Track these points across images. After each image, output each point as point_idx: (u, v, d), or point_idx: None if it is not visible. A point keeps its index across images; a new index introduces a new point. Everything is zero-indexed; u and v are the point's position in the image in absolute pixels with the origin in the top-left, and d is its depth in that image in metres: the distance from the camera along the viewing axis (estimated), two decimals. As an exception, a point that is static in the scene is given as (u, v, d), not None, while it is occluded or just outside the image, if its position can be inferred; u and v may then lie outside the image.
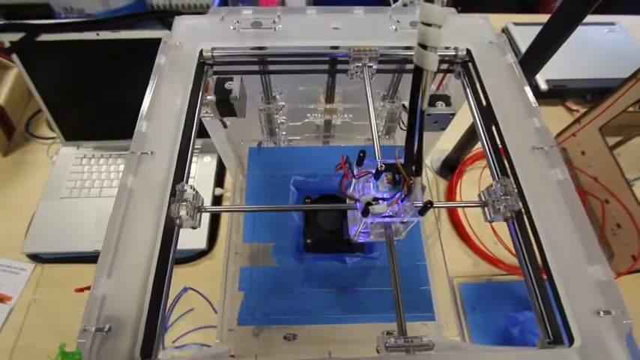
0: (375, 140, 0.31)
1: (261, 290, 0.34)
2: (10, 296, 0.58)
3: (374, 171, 0.26)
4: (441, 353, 0.20)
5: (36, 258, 0.60)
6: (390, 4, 0.38)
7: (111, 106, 0.66)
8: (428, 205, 0.24)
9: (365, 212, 0.25)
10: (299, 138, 0.48)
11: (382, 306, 0.33)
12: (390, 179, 0.26)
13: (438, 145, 0.74)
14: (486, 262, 0.63)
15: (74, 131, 0.69)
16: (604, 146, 0.65)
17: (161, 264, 0.21)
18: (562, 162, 0.26)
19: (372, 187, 0.26)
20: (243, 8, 0.34)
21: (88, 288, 0.50)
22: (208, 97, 0.38)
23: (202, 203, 0.27)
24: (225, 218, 0.65)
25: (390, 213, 0.25)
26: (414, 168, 0.24)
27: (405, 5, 0.38)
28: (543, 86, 0.81)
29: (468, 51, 0.34)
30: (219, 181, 0.68)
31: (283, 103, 0.45)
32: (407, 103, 0.48)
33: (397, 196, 0.25)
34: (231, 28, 0.33)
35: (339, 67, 0.35)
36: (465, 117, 0.41)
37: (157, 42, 0.32)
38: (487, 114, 0.30)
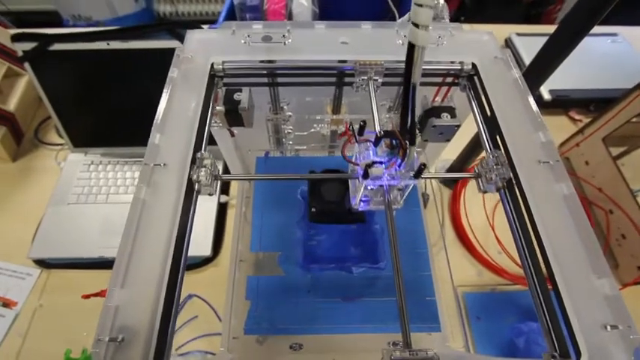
0: (375, 118, 0.33)
1: (268, 299, 0.34)
2: (16, 301, 0.58)
3: (373, 138, 0.29)
4: None
5: (42, 263, 0.61)
6: (395, 19, 0.38)
7: (119, 113, 0.67)
8: (422, 167, 0.27)
9: (365, 174, 0.27)
10: (305, 147, 0.49)
11: (388, 316, 0.33)
12: (388, 144, 0.29)
13: (442, 155, 0.75)
14: (490, 271, 0.63)
15: (82, 138, 0.70)
16: (608, 156, 0.66)
17: (174, 270, 0.22)
18: (567, 176, 0.26)
19: (371, 153, 0.29)
20: (253, 23, 0.34)
21: (95, 294, 0.50)
22: (217, 108, 0.39)
23: (219, 172, 0.30)
24: (230, 225, 0.66)
25: (388, 177, 0.28)
26: (408, 137, 0.27)
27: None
28: (547, 96, 0.82)
29: (474, 65, 0.34)
30: (225, 188, 0.69)
31: (290, 113, 0.46)
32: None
33: (394, 159, 0.28)
34: (242, 42, 0.34)
35: (346, 79, 0.36)
36: (468, 128, 0.42)
37: (165, 52, 0.33)
38: (492, 127, 0.31)
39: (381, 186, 0.30)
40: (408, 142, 0.27)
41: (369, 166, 0.27)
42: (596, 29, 1.07)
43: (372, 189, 0.31)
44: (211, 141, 0.68)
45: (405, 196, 0.32)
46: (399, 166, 0.28)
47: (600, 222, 0.67)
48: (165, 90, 0.30)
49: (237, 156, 0.50)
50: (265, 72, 0.36)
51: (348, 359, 0.36)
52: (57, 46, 0.58)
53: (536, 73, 0.46)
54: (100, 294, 0.50)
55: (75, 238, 0.62)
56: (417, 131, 0.46)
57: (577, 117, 0.84)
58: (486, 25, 0.96)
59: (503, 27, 0.99)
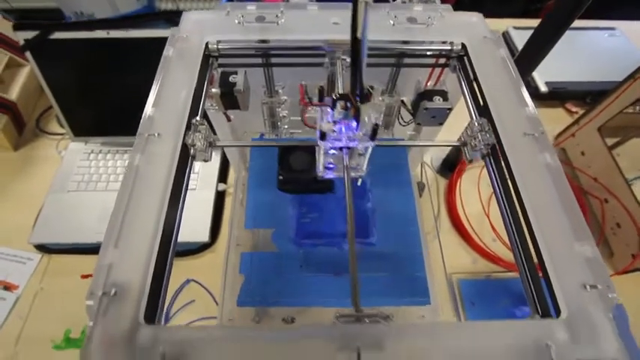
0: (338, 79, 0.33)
1: (261, 274, 0.35)
2: (17, 285, 0.59)
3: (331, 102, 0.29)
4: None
5: (43, 248, 0.62)
6: (388, 1, 0.39)
7: (119, 103, 0.68)
8: (375, 127, 0.27)
9: (322, 136, 0.28)
10: (300, 131, 0.50)
11: (379, 290, 0.34)
12: (343, 106, 0.29)
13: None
14: (485, 259, 0.63)
15: (83, 127, 0.71)
16: (603, 146, 0.66)
17: (167, 230, 0.23)
18: (551, 147, 0.27)
19: (329, 117, 0.29)
20: (247, 3, 0.35)
21: (93, 275, 0.51)
22: (213, 90, 0.39)
23: (214, 140, 0.31)
24: (227, 213, 0.67)
25: (347, 139, 0.28)
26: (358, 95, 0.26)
27: (403, 2, 0.39)
28: (543, 88, 0.82)
29: (463, 45, 0.35)
30: (223, 177, 0.70)
31: (285, 97, 0.46)
32: (406, 99, 0.49)
33: (350, 121, 0.28)
34: (236, 22, 0.34)
35: (318, 60, 0.37)
36: (463, 118, 0.42)
37: (164, 41, 0.34)
38: (481, 104, 0.32)
39: (341, 149, 0.31)
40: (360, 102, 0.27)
41: (324, 127, 0.28)
42: (595, 23, 1.07)
43: (333, 153, 0.32)
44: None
45: (366, 162, 0.32)
46: (356, 128, 0.28)
47: (595, 211, 0.68)
48: (159, 68, 0.31)
49: (234, 139, 0.50)
50: (260, 52, 0.36)
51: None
52: (58, 35, 0.59)
53: (526, 59, 0.47)
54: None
55: (75, 224, 0.63)
56: (410, 113, 0.47)
57: (574, 109, 0.84)
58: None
59: (502, 21, 1.00)
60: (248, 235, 0.44)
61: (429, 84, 0.45)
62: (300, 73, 0.44)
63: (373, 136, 0.28)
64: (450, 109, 0.43)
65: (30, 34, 0.59)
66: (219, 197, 0.67)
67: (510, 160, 0.26)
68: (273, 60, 0.38)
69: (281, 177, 0.40)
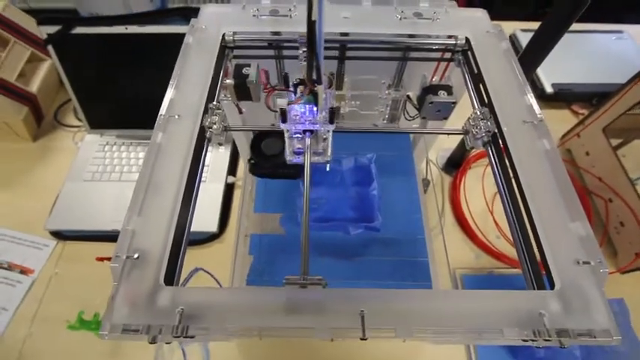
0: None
1: (269, 255, 0.36)
2: (33, 269, 0.61)
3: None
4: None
5: (58, 235, 0.64)
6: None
7: (134, 97, 0.70)
8: (333, 110, 0.28)
9: (283, 118, 0.28)
10: None
11: (382, 273, 0.35)
12: (302, 90, 0.29)
13: (444, 144, 0.77)
14: (488, 255, 0.64)
15: (99, 120, 0.73)
16: (608, 146, 0.67)
17: (185, 201, 0.24)
18: (549, 134, 0.28)
19: (291, 99, 0.30)
20: (262, -2, 0.37)
21: (109, 259, 0.53)
22: (227, 81, 0.41)
23: (229, 125, 0.33)
24: (236, 205, 0.68)
25: (309, 123, 0.29)
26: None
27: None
28: (549, 89, 0.83)
29: (467, 40, 0.36)
30: (232, 170, 0.72)
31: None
32: (412, 94, 0.51)
33: (299, 95, 0.28)
34: (252, 15, 0.36)
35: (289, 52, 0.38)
36: (466, 114, 0.42)
37: (179, 37, 0.36)
38: (483, 95, 0.33)
39: (305, 133, 0.31)
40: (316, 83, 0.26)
41: (283, 109, 0.28)
42: (602, 27, 1.08)
43: (298, 137, 0.33)
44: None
45: (329, 147, 0.34)
46: (316, 111, 0.29)
47: (600, 211, 0.68)
48: (180, 54, 0.33)
49: (244, 133, 0.52)
50: (272, 44, 0.38)
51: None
52: (79, 30, 0.62)
53: (530, 57, 0.48)
54: (113, 258, 0.53)
55: (90, 212, 0.65)
56: (415, 108, 0.49)
57: (580, 111, 0.84)
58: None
59: (509, 23, 1.01)
60: (256, 223, 0.45)
61: (434, 79, 0.46)
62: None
63: (331, 119, 0.29)
64: (455, 103, 0.44)
65: (52, 29, 0.62)
66: (229, 189, 0.69)
67: (510, 146, 0.28)
68: (285, 52, 0.40)
69: (252, 161, 0.41)
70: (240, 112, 0.50)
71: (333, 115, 0.28)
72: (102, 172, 0.70)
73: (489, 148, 0.30)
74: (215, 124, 0.30)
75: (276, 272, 0.36)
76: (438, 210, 0.69)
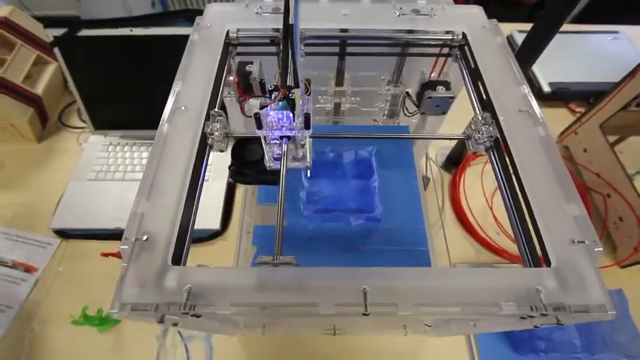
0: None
1: (272, 245, 0.37)
2: (37, 267, 0.62)
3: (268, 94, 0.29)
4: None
5: (62, 234, 0.65)
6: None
7: (138, 98, 0.72)
8: (307, 117, 0.27)
9: (258, 124, 0.28)
10: (317, 118, 0.52)
11: (383, 263, 0.36)
12: (277, 96, 0.29)
13: (443, 142, 0.78)
14: (488, 250, 0.65)
15: (103, 121, 0.74)
16: (605, 143, 0.67)
17: (191, 189, 0.25)
18: (543, 122, 0.29)
19: (268, 109, 0.29)
20: (265, -4, 0.38)
21: (113, 254, 0.54)
22: (231, 78, 0.43)
23: (230, 131, 0.32)
24: (238, 203, 0.69)
25: (286, 129, 0.29)
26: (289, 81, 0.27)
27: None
28: (546, 88, 0.84)
29: (464, 35, 0.37)
30: (234, 168, 0.73)
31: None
32: (411, 90, 0.52)
33: (274, 97, 0.28)
34: (255, 12, 0.38)
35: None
36: (467, 112, 0.43)
37: (183, 38, 0.37)
38: (479, 87, 0.34)
39: (282, 139, 0.31)
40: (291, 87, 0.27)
41: (257, 115, 0.28)
42: (599, 27, 1.09)
43: (276, 143, 0.32)
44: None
45: (308, 153, 0.34)
46: (293, 118, 0.28)
47: (598, 206, 0.69)
48: (186, 50, 0.34)
49: (245, 127, 0.53)
50: (274, 40, 0.39)
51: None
52: (85, 32, 0.63)
53: (524, 54, 0.49)
54: (117, 254, 0.54)
55: (93, 210, 0.66)
56: (415, 104, 0.50)
57: (577, 109, 0.86)
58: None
59: (506, 25, 1.02)
60: (259, 216, 0.46)
61: (432, 75, 0.47)
62: (312, 63, 0.47)
63: (307, 124, 0.28)
64: (453, 98, 0.45)
65: (59, 32, 0.63)
66: (231, 188, 0.70)
67: (506, 134, 0.28)
68: (287, 49, 0.41)
69: (232, 167, 0.41)
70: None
71: (309, 120, 0.28)
72: (105, 172, 0.71)
73: (492, 153, 0.30)
74: (217, 130, 0.30)
75: (279, 262, 0.37)
76: (439, 207, 0.70)
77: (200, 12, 0.61)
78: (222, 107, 0.38)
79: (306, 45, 0.40)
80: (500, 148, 0.30)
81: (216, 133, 0.30)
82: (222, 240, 0.65)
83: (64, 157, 0.76)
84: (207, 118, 0.30)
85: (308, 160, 0.34)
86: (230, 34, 0.37)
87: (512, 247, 0.64)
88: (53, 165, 0.75)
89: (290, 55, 0.25)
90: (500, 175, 0.29)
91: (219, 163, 0.72)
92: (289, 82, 0.27)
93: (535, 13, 1.32)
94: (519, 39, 0.96)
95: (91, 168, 0.71)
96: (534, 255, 0.24)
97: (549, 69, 0.87)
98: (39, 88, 0.76)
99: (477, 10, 0.39)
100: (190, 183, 0.26)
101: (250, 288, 0.22)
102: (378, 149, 0.43)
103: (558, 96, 0.85)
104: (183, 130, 0.29)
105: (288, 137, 0.31)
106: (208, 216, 0.65)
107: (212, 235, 0.65)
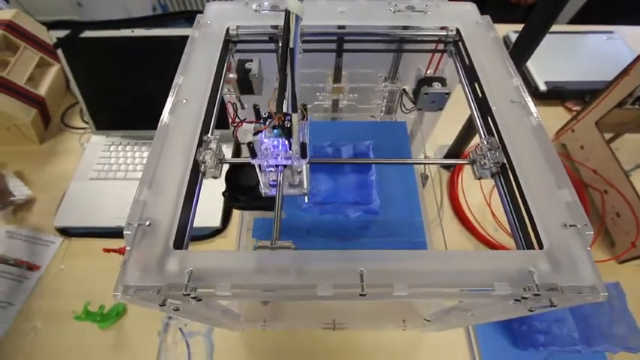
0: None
1: (271, 237, 0.37)
2: (39, 265, 0.62)
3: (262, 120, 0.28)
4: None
5: (64, 232, 0.66)
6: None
7: (140, 98, 0.72)
8: (303, 145, 0.27)
9: (252, 154, 0.27)
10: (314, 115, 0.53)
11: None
12: (272, 124, 0.28)
13: (441, 140, 0.79)
14: (487, 247, 0.65)
15: (104, 121, 0.75)
16: (601, 140, 0.68)
17: (192, 177, 0.26)
18: (535, 112, 0.30)
19: (262, 136, 0.28)
20: (264, -5, 0.39)
21: (115, 250, 0.54)
22: (231, 75, 0.43)
23: (224, 157, 0.31)
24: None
25: (283, 158, 0.28)
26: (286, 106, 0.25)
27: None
28: (542, 87, 0.85)
29: (458, 31, 0.38)
30: (234, 167, 0.73)
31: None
32: (407, 88, 0.53)
33: (268, 123, 0.27)
34: (254, 10, 0.39)
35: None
36: (463, 111, 0.43)
37: (184, 39, 0.37)
38: (474, 81, 0.35)
39: (277, 167, 0.30)
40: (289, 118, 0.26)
41: (251, 144, 0.27)
42: (594, 27, 1.11)
43: (271, 171, 0.31)
44: (223, 125, 0.73)
45: (305, 180, 0.32)
46: (289, 146, 0.28)
47: (596, 202, 0.69)
48: (186, 47, 0.35)
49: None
50: (273, 37, 0.40)
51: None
52: (87, 34, 0.64)
53: (518, 51, 0.50)
54: (119, 250, 0.54)
55: (95, 209, 0.67)
56: (411, 101, 0.50)
57: (573, 108, 0.86)
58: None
59: (502, 26, 1.04)
60: (259, 213, 0.47)
61: (428, 72, 0.48)
62: (310, 62, 0.48)
63: (303, 154, 0.27)
64: (449, 94, 0.46)
65: (62, 34, 0.64)
66: (231, 186, 0.71)
67: (499, 124, 0.29)
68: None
69: (227, 193, 0.39)
70: (243, 107, 0.53)
71: (305, 150, 0.27)
72: (107, 171, 0.71)
73: (498, 179, 0.29)
74: (209, 158, 0.28)
75: (278, 253, 0.37)
76: (437, 204, 0.71)
77: (200, 13, 0.62)
78: (222, 104, 0.39)
79: (304, 42, 0.41)
80: (507, 174, 0.28)
81: (209, 161, 0.28)
82: (223, 237, 0.66)
83: (66, 157, 0.76)
84: (200, 144, 0.28)
85: (305, 186, 0.32)
86: (230, 31, 0.38)
87: (511, 243, 0.64)
88: (55, 165, 0.75)
89: (289, 80, 0.24)
90: (508, 204, 0.28)
91: (220, 162, 0.73)
92: (285, 108, 0.26)
93: (530, 13, 1.34)
94: (514, 38, 0.97)
95: (92, 167, 0.72)
96: (527, 238, 0.25)
97: (545, 68, 0.88)
98: (42, 90, 0.77)
99: (470, 7, 0.40)
100: (191, 172, 0.27)
101: (250, 271, 0.23)
102: (375, 144, 0.44)
103: (554, 95, 0.86)
104: (184, 122, 0.29)
105: (284, 165, 0.30)
106: (209, 214, 0.66)
107: (213, 233, 0.65)
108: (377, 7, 0.40)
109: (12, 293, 0.59)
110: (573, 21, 1.33)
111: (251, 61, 0.43)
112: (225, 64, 0.38)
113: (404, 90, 0.52)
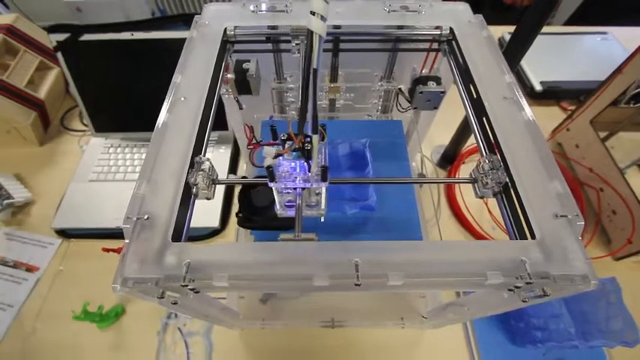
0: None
1: (270, 235, 0.38)
2: (38, 267, 0.63)
3: (280, 142, 0.28)
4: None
5: (63, 234, 0.66)
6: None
7: (139, 100, 0.73)
8: (324, 169, 0.26)
9: (271, 177, 0.26)
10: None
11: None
12: (291, 147, 0.27)
13: (438, 141, 0.79)
14: (485, 245, 0.65)
15: (104, 124, 0.76)
16: (596, 138, 0.69)
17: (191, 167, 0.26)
18: (527, 108, 0.30)
19: (282, 158, 0.28)
20: (260, -4, 0.40)
21: (114, 250, 0.55)
22: (229, 76, 0.44)
23: (217, 177, 0.30)
24: (236, 201, 0.70)
25: (301, 180, 0.27)
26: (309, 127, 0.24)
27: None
28: (538, 87, 0.86)
29: (451, 29, 0.39)
30: (233, 168, 0.74)
31: (293, 85, 0.51)
32: (403, 87, 0.54)
33: (287, 146, 0.27)
34: (251, 10, 0.39)
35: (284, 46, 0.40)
36: (459, 111, 0.42)
37: (183, 41, 0.37)
38: (469, 80, 0.35)
39: (295, 189, 0.29)
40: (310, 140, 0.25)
41: (270, 168, 0.26)
42: (589, 29, 1.12)
43: (288, 192, 0.30)
44: (220, 126, 0.73)
45: (323, 201, 0.31)
46: (308, 169, 0.27)
47: (592, 200, 0.70)
48: (185, 47, 0.36)
49: (243, 125, 0.55)
50: (270, 37, 0.41)
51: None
52: (87, 37, 0.65)
53: (511, 50, 0.51)
54: (118, 250, 0.54)
55: (94, 210, 0.67)
56: (407, 100, 0.51)
57: (568, 107, 0.87)
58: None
59: (498, 28, 1.05)
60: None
61: (423, 71, 0.49)
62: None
63: (324, 177, 0.27)
64: (444, 93, 0.47)
65: (62, 37, 0.65)
66: (230, 188, 0.71)
67: (492, 119, 0.30)
68: (282, 46, 0.43)
69: (240, 215, 0.39)
70: (241, 107, 0.53)
71: (325, 173, 0.26)
72: (106, 173, 0.72)
73: (501, 198, 0.28)
74: (201, 180, 0.27)
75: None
76: (434, 203, 0.71)
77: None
78: (220, 103, 0.39)
79: (302, 42, 0.41)
80: (510, 194, 0.27)
81: (201, 184, 0.28)
82: (222, 238, 0.66)
83: (65, 159, 0.77)
84: (192, 165, 0.28)
85: (322, 207, 0.31)
86: (227, 32, 0.39)
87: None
88: (54, 167, 0.76)
89: (311, 101, 0.23)
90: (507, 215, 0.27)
91: (218, 162, 0.73)
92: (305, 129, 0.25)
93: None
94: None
95: (91, 169, 0.72)
96: (520, 229, 0.25)
97: (541, 69, 0.89)
98: (41, 93, 0.77)
99: (464, 7, 0.40)
100: (190, 166, 0.27)
101: (247, 262, 0.23)
102: (371, 142, 0.44)
103: (550, 95, 0.87)
104: (183, 118, 0.30)
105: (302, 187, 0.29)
106: (208, 214, 0.66)
107: (212, 233, 0.66)
108: (372, 6, 0.40)
109: (11, 295, 0.59)
110: (569, 23, 1.34)
111: (249, 61, 0.44)
112: (223, 64, 0.39)
113: (400, 89, 0.52)
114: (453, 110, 0.52)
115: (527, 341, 0.51)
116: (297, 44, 0.40)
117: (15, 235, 0.66)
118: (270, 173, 0.26)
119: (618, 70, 0.64)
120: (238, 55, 0.44)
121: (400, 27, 0.40)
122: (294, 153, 0.27)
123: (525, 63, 0.91)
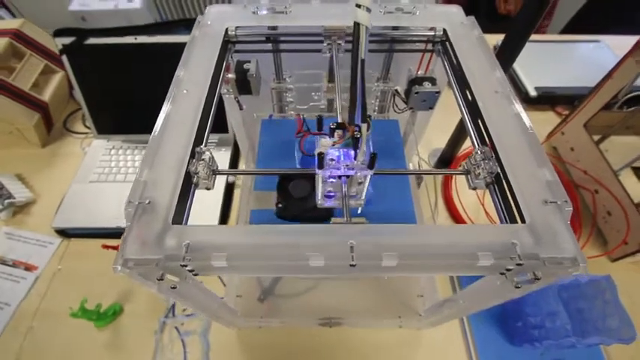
0: (337, 103, 0.36)
1: (268, 219, 0.38)
2: (37, 266, 0.63)
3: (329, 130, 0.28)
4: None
5: (63, 233, 0.66)
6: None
7: (141, 103, 0.74)
8: (373, 156, 0.27)
9: (320, 165, 0.27)
10: (307, 108, 0.55)
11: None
12: (340, 135, 0.29)
13: (434, 143, 0.80)
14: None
15: (106, 126, 0.77)
16: (590, 141, 0.70)
17: (191, 160, 0.27)
18: (517, 102, 0.31)
19: (327, 144, 0.28)
20: (261, -2, 0.42)
21: (114, 247, 0.55)
22: (229, 75, 0.45)
23: (217, 167, 0.31)
24: (236, 203, 0.71)
25: (345, 168, 0.28)
26: (357, 116, 0.26)
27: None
28: (532, 92, 0.88)
29: (445, 30, 0.41)
30: (233, 169, 0.75)
31: (292, 85, 0.52)
32: (399, 88, 0.55)
33: (340, 135, 0.27)
34: (252, 12, 0.41)
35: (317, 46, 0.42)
36: (455, 115, 0.42)
37: (185, 45, 0.39)
38: (462, 77, 0.37)
39: (340, 178, 0.30)
40: (359, 129, 0.26)
41: (322, 155, 0.27)
42: (581, 37, 1.15)
43: (332, 182, 0.31)
44: (220, 129, 0.75)
45: (364, 191, 0.32)
46: (354, 157, 0.28)
47: (587, 202, 0.70)
48: (187, 45, 0.37)
49: (244, 130, 0.56)
50: (270, 37, 0.42)
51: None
52: (91, 41, 0.67)
53: (503, 54, 0.52)
54: (117, 247, 0.55)
55: (94, 210, 0.67)
56: (403, 101, 0.52)
57: (563, 112, 0.89)
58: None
59: (492, 36, 1.07)
60: (256, 201, 0.48)
61: (419, 72, 0.50)
62: (305, 63, 0.50)
63: (371, 165, 0.27)
64: (439, 93, 0.48)
65: (67, 41, 0.67)
66: (229, 188, 0.72)
67: (483, 113, 0.31)
68: (282, 46, 0.44)
69: (280, 205, 0.40)
70: (241, 108, 0.54)
71: (374, 161, 0.27)
72: (107, 174, 0.73)
73: (493, 189, 0.29)
74: (202, 169, 0.28)
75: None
76: (431, 205, 0.72)
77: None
78: (219, 105, 0.40)
79: (300, 42, 0.43)
80: (502, 185, 0.28)
81: (201, 173, 0.28)
82: (220, 238, 0.66)
83: (67, 160, 0.78)
84: (192, 155, 0.28)
85: (362, 197, 0.32)
86: (229, 32, 0.40)
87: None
88: (56, 168, 0.77)
89: (359, 90, 0.24)
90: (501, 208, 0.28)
91: (219, 162, 0.74)
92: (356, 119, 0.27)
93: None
94: (505, 48, 1.01)
95: (93, 170, 0.73)
96: (511, 214, 0.26)
97: (535, 75, 0.92)
98: (45, 95, 0.79)
99: (456, 9, 0.42)
100: (191, 156, 0.28)
101: (246, 244, 0.24)
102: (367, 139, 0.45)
103: (544, 100, 0.89)
104: (185, 110, 0.31)
105: (347, 175, 0.29)
106: (207, 214, 0.66)
107: (210, 233, 0.66)
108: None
109: (9, 293, 0.59)
110: (564, 32, 1.38)
111: (249, 61, 0.46)
112: (224, 64, 0.40)
113: (396, 90, 0.54)
114: (449, 113, 0.53)
115: (525, 340, 0.51)
116: (328, 44, 0.41)
117: (15, 235, 0.66)
118: (321, 160, 0.27)
119: (608, 75, 0.66)
120: (239, 56, 0.45)
121: (395, 28, 0.42)
122: (344, 142, 0.28)
123: (520, 69, 0.93)
